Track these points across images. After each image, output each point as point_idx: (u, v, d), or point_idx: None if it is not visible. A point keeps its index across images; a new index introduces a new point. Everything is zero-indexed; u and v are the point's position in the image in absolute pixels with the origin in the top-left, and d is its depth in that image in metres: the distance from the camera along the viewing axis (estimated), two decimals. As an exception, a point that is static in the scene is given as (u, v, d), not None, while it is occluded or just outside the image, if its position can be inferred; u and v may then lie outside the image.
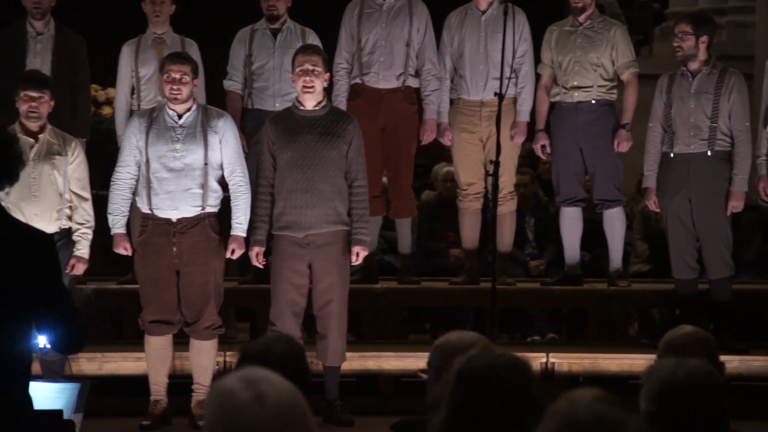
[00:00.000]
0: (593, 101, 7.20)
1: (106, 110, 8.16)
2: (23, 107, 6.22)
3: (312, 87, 6.33)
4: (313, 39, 7.24)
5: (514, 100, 7.31)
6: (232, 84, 7.29)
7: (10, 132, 3.63)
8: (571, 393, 2.33)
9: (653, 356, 3.58)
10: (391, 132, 7.25)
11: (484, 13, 7.34)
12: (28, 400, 3.56)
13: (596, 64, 7.19)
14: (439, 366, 3.24)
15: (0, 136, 3.55)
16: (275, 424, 2.07)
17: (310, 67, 6.33)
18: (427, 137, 7.34)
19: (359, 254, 6.41)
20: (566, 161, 7.27)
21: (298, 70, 6.36)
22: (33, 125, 6.23)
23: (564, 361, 6.89)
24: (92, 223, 6.35)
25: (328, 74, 6.48)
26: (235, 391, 2.09)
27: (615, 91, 7.27)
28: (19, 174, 3.59)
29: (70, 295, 3.60)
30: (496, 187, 6.69)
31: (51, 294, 3.50)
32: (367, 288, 7.35)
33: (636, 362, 6.65)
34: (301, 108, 6.40)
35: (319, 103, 6.40)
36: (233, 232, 6.36)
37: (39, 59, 7.11)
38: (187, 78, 6.24)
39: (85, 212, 6.33)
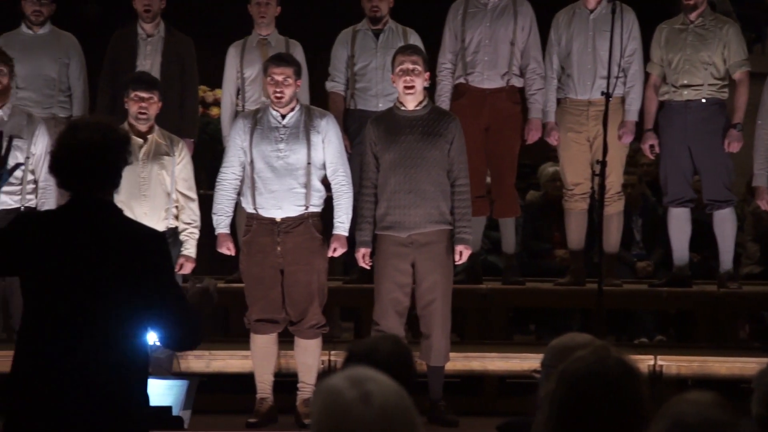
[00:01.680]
0: (703, 100, 7.08)
1: (213, 111, 8.26)
2: (133, 108, 6.32)
3: (413, 87, 6.33)
4: (415, 39, 7.24)
5: (622, 100, 7.23)
6: (335, 85, 7.33)
7: (121, 132, 3.69)
8: (683, 395, 2.29)
9: (765, 360, 3.50)
10: (495, 132, 7.22)
11: (592, 11, 7.27)
12: (146, 396, 3.62)
13: (707, 63, 7.08)
14: (550, 366, 3.21)
15: (111, 137, 3.62)
16: (381, 423, 2.07)
17: (410, 67, 6.33)
18: (532, 136, 7.29)
19: (462, 253, 6.39)
20: (675, 161, 7.17)
21: (398, 69, 6.36)
22: (142, 126, 6.33)
23: (672, 364, 6.79)
24: (199, 223, 6.43)
25: (428, 74, 6.47)
26: (342, 390, 2.10)
27: (726, 90, 7.14)
28: (120, 175, 3.66)
29: (183, 293, 3.64)
30: (603, 187, 6.60)
31: (165, 292, 3.55)
32: (471, 288, 7.33)
33: (747, 366, 6.52)
34: (403, 108, 6.41)
35: (420, 102, 6.40)
36: (335, 231, 6.39)
37: (149, 61, 7.23)
38: (289, 80, 6.28)
39: (192, 212, 6.42)
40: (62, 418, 3.46)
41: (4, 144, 3.87)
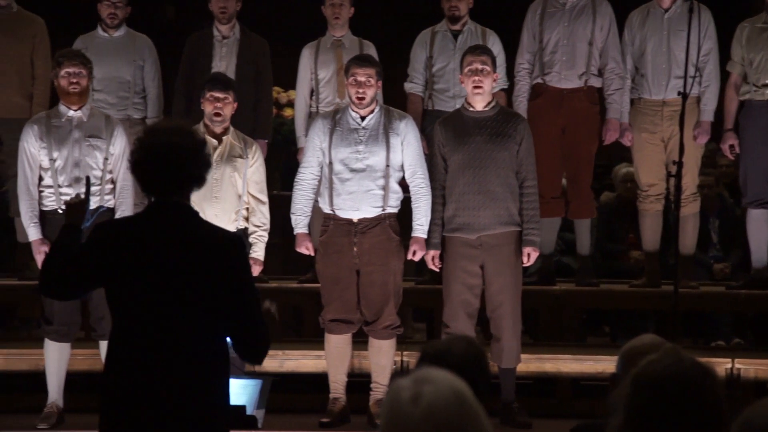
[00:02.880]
0: (786, 99, 6.99)
1: (287, 112, 8.31)
2: (208, 108, 6.38)
3: (481, 87, 6.31)
4: (494, 40, 7.22)
5: (697, 99, 7.15)
6: (413, 86, 7.34)
7: (199, 136, 3.73)
8: (761, 400, 2.26)
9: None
10: (572, 132, 7.18)
11: (666, 10, 7.20)
12: (228, 396, 3.67)
13: (790, 61, 6.97)
14: (623, 369, 3.18)
15: (190, 141, 3.66)
16: (425, 425, 2.09)
17: (479, 67, 6.31)
18: (610, 137, 7.24)
19: (530, 255, 6.36)
20: (755, 161, 7.07)
21: (466, 70, 6.35)
22: (217, 127, 6.37)
23: (750, 367, 6.70)
24: (268, 226, 6.46)
25: (496, 74, 6.45)
26: (401, 389, 2.14)
27: (810, 89, 7.03)
28: (206, 178, 3.70)
29: (259, 297, 3.68)
30: (678, 188, 6.53)
31: (242, 294, 3.59)
32: (544, 289, 7.30)
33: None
34: (471, 109, 6.39)
35: (489, 103, 6.38)
36: (414, 234, 6.39)
37: (224, 62, 7.30)
38: (371, 81, 6.29)
39: (262, 215, 6.45)
40: (152, 417, 3.54)
41: (83, 187, 3.98)
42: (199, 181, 3.66)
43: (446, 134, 6.38)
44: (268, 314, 3.81)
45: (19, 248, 7.41)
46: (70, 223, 3.87)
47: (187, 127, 3.76)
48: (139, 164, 3.65)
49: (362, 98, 6.28)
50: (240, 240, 3.77)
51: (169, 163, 3.60)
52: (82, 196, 4.02)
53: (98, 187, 6.28)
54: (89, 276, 3.69)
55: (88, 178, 4.21)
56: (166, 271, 3.56)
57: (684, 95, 6.58)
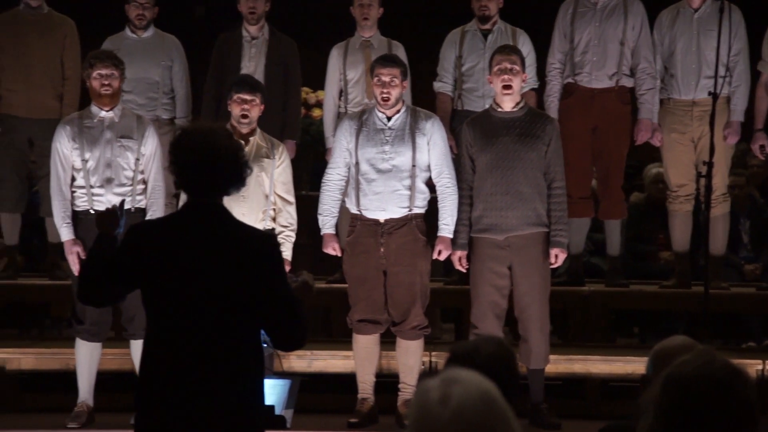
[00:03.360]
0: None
1: (316, 112, 8.31)
2: (236, 110, 6.39)
3: (510, 87, 6.29)
4: (524, 40, 7.21)
5: (727, 100, 7.11)
6: (443, 86, 7.33)
7: (237, 139, 3.77)
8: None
9: None
10: (603, 132, 7.15)
11: (696, 10, 7.16)
12: (262, 396, 3.70)
13: (823, 61, 6.93)
14: (653, 370, 3.17)
15: (229, 144, 3.69)
16: (455, 426, 2.09)
17: (508, 66, 6.29)
18: (642, 137, 7.21)
19: (558, 256, 6.34)
20: (786, 162, 7.03)
21: (495, 69, 6.33)
22: (244, 128, 6.37)
23: (781, 369, 6.66)
24: (295, 226, 6.46)
25: (525, 74, 6.44)
26: (429, 390, 2.13)
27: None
28: (245, 180, 3.73)
29: (293, 293, 3.70)
30: (709, 188, 6.50)
31: (277, 293, 3.62)
32: (573, 290, 7.27)
33: None
34: (499, 109, 6.38)
35: (517, 104, 6.37)
36: (440, 234, 6.38)
37: (253, 63, 7.31)
38: (396, 81, 6.29)
39: (289, 215, 6.45)
40: (188, 417, 3.57)
41: (114, 192, 4.02)
42: (237, 182, 3.71)
43: (474, 134, 6.37)
44: (307, 286, 3.83)
45: (50, 248, 7.46)
46: (104, 232, 3.90)
47: (225, 128, 3.81)
48: (177, 165, 3.68)
49: (387, 98, 6.28)
50: (274, 239, 3.83)
51: (208, 164, 3.64)
52: (115, 206, 4.04)
53: (130, 188, 6.31)
54: (125, 280, 3.72)
55: (123, 201, 4.26)
56: (202, 271, 3.59)
57: (714, 95, 6.54)
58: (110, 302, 4.12)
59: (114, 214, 3.95)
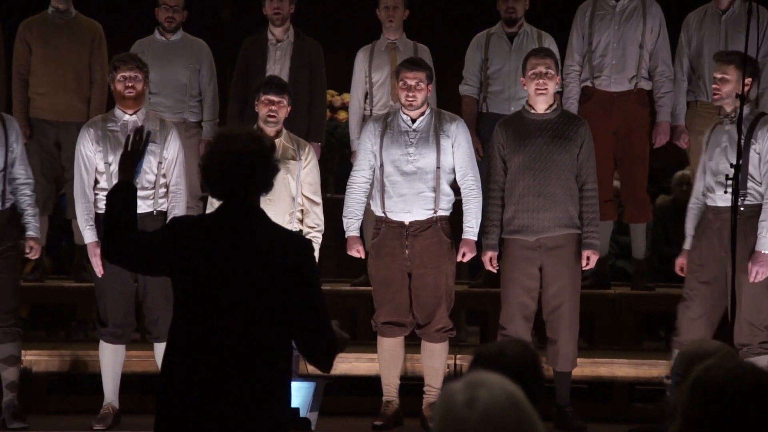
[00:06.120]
0: None
1: (341, 115, 8.32)
2: (263, 111, 6.40)
3: (545, 90, 6.28)
4: (550, 43, 7.19)
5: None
6: (468, 89, 7.32)
7: (268, 142, 3.77)
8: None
9: None
10: (624, 135, 7.13)
11: (724, 12, 7.13)
12: (289, 398, 3.69)
13: None
14: (680, 373, 3.15)
15: (260, 147, 3.69)
16: (483, 429, 2.08)
17: (543, 70, 6.28)
18: (660, 140, 7.18)
19: (590, 258, 6.32)
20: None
21: (530, 73, 6.32)
22: (270, 130, 6.39)
23: (808, 373, 6.59)
24: (322, 227, 6.47)
25: (558, 77, 6.43)
26: (455, 393, 2.13)
27: None
28: (273, 183, 3.73)
29: (326, 300, 3.69)
30: (736, 191, 6.45)
31: (310, 297, 3.61)
32: (599, 293, 7.25)
33: None
34: (532, 111, 6.36)
35: (550, 106, 6.35)
36: (465, 236, 6.37)
37: (278, 65, 7.33)
38: (421, 84, 6.29)
39: (316, 216, 6.46)
40: (211, 417, 3.55)
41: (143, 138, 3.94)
42: (266, 186, 3.70)
43: (507, 136, 6.36)
44: (343, 340, 3.81)
45: (77, 250, 7.50)
46: (125, 179, 3.85)
47: (256, 133, 3.81)
48: (212, 170, 3.69)
49: (412, 101, 6.28)
50: (309, 243, 3.79)
51: (240, 169, 3.65)
52: (137, 144, 3.92)
53: (152, 191, 6.32)
54: (155, 256, 3.70)
55: (149, 133, 4.08)
56: (236, 270, 3.59)
57: (742, 96, 6.50)
58: (133, 263, 3.92)
59: (137, 158, 3.89)
